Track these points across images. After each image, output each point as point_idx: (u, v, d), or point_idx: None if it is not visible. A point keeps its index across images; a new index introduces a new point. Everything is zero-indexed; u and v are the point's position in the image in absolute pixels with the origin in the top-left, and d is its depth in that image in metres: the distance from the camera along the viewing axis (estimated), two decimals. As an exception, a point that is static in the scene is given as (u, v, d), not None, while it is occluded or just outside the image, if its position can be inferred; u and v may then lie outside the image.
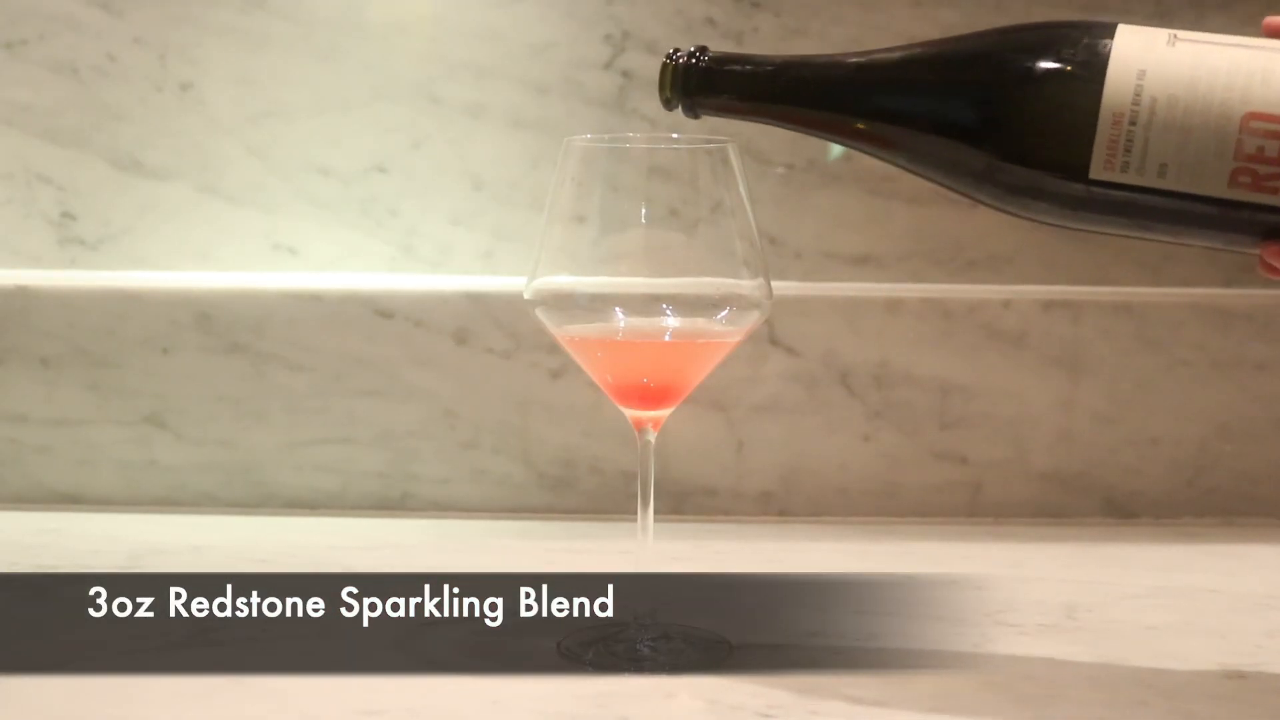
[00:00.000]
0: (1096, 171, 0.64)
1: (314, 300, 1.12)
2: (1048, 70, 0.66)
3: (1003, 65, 0.67)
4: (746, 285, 0.74)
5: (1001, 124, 0.67)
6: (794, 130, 0.73)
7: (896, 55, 0.70)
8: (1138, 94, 0.64)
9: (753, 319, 0.74)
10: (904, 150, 0.70)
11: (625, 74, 1.18)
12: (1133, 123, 0.64)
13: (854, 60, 0.71)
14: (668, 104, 0.72)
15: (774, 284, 0.75)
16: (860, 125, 0.71)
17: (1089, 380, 1.13)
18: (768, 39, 1.18)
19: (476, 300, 1.12)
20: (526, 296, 0.75)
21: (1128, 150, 0.64)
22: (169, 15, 1.18)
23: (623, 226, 0.73)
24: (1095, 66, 0.64)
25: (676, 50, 0.71)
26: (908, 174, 0.72)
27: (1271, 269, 0.65)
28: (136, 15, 1.18)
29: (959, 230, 1.19)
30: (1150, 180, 0.64)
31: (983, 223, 1.19)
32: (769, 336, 1.12)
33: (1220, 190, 0.63)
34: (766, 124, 0.73)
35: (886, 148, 0.71)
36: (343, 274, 1.19)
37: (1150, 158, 0.64)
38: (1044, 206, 0.67)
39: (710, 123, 1.14)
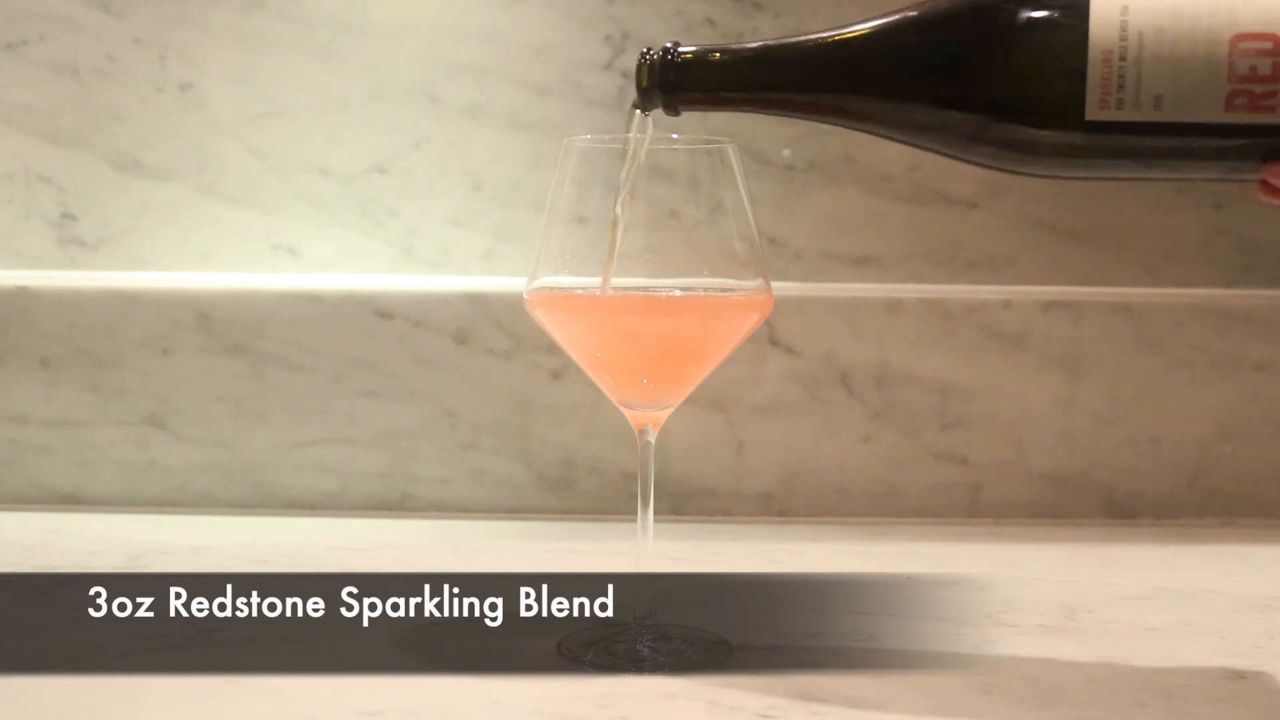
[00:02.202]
0: (1093, 112, 0.64)
1: (314, 300, 1.12)
2: (1032, 20, 0.65)
3: (985, 21, 0.66)
4: (747, 286, 0.74)
5: (993, 79, 0.66)
6: (777, 115, 0.72)
7: (875, 25, 0.69)
8: (1124, 29, 0.63)
9: (753, 320, 0.74)
10: (894, 122, 0.69)
11: (625, 75, 1.18)
12: (1123, 59, 0.63)
13: (832, 36, 0.69)
14: (644, 104, 0.70)
15: (774, 284, 0.75)
16: (847, 102, 0.70)
17: (1089, 381, 1.13)
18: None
19: (476, 300, 1.12)
20: (526, 297, 0.75)
21: (1120, 87, 0.63)
22: (169, 15, 1.18)
23: (622, 227, 0.73)
24: (1078, 8, 0.64)
25: (649, 49, 0.71)
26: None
27: (1273, 191, 0.65)
28: (136, 15, 1.18)
29: (959, 230, 1.19)
30: (1146, 114, 0.63)
31: (983, 223, 1.19)
32: (769, 337, 1.12)
33: (1217, 115, 0.63)
34: (748, 112, 0.72)
35: (875, 122, 0.70)
36: (342, 274, 1.19)
37: (1144, 91, 0.63)
38: (1043, 156, 0.66)
39: (711, 123, 1.14)
